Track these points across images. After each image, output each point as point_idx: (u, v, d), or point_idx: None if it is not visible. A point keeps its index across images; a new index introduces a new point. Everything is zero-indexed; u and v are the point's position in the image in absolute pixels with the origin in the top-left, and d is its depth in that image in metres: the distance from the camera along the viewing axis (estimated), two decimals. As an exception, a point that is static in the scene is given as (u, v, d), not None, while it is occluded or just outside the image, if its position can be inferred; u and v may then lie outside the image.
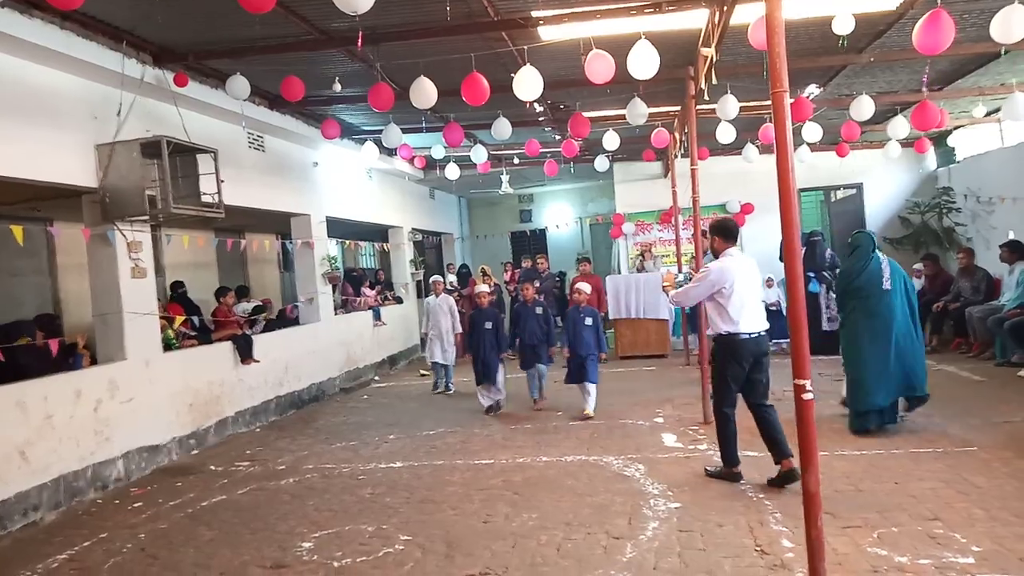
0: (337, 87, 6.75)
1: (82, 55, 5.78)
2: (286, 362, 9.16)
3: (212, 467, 6.69)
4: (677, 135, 10.15)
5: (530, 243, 18.16)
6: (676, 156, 10.98)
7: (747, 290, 5.01)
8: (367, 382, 11.15)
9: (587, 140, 11.26)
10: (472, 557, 4.14)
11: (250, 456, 7.00)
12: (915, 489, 4.67)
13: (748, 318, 4.96)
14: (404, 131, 8.80)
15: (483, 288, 8.61)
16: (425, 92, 6.04)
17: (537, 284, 10.03)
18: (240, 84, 6.52)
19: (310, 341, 9.87)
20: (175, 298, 9.42)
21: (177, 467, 6.79)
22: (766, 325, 5.07)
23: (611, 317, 11.87)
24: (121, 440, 6.33)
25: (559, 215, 18.31)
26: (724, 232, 5.16)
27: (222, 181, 6.62)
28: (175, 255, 10.30)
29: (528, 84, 5.74)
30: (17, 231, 5.42)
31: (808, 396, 2.81)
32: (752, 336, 4.96)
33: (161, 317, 7.15)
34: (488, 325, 8.03)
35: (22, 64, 5.64)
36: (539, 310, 8.04)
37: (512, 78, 6.05)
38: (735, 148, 11.34)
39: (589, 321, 7.50)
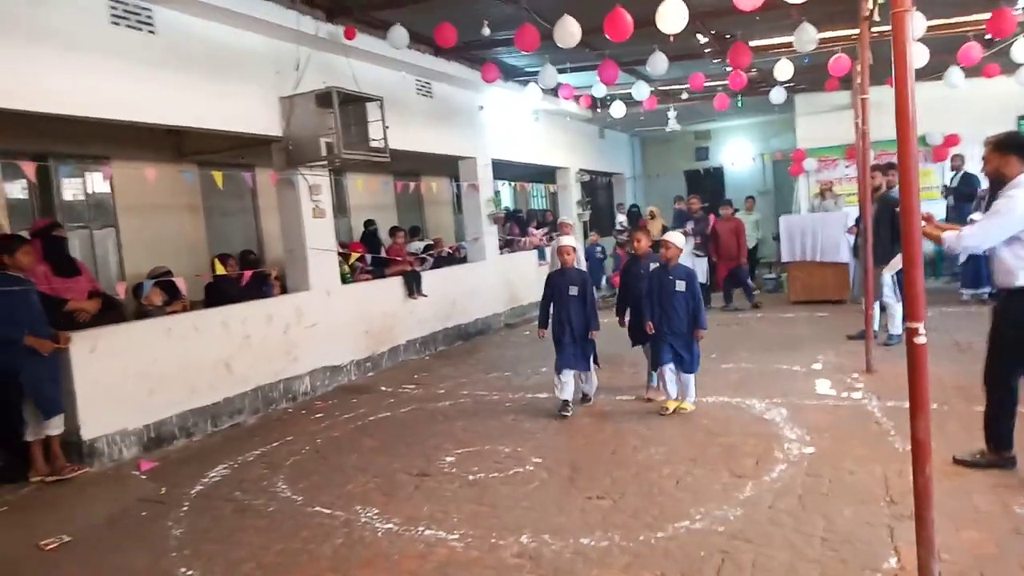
0: (486, 31, 6.95)
1: (263, 15, 6.46)
2: (453, 298, 9.80)
3: (383, 388, 7.46)
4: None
5: (704, 182, 17.49)
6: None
7: None
8: (531, 319, 11.60)
9: (762, 71, 10.59)
10: (593, 482, 4.37)
11: (416, 380, 7.71)
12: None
13: None
14: (563, 71, 8.81)
15: (568, 241, 6.38)
16: (568, 31, 6.06)
17: (690, 227, 9.53)
18: (399, 33, 6.92)
19: (475, 279, 10.45)
20: (364, 236, 10.31)
21: (354, 386, 7.65)
22: None
23: (783, 260, 11.34)
24: (307, 360, 7.25)
25: (738, 152, 17.41)
26: (1022, 149, 3.89)
27: (387, 127, 7.14)
28: (359, 197, 11.25)
29: (671, 17, 5.53)
30: (217, 176, 6.30)
31: (920, 340, 2.64)
32: None
33: (339, 253, 7.96)
34: (573, 291, 5.95)
35: (219, 29, 6.42)
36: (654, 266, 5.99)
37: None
38: (934, 73, 10.05)
39: (682, 286, 5.65)
